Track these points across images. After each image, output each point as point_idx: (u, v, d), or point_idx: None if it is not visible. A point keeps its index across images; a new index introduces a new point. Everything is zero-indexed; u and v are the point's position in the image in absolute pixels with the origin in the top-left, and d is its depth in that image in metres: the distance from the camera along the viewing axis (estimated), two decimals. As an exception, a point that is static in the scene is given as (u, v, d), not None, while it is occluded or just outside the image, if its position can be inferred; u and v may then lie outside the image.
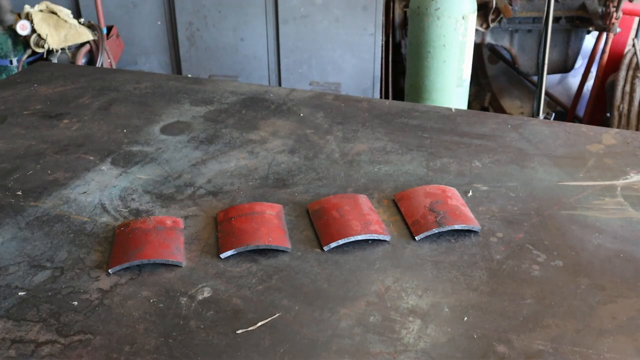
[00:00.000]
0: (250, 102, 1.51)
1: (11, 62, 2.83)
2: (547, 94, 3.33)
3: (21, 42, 2.85)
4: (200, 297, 0.84)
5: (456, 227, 0.96)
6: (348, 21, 3.26)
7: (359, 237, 0.94)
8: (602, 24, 3.12)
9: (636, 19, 3.27)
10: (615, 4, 3.01)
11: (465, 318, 0.80)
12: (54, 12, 2.93)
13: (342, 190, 1.09)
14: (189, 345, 0.76)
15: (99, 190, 1.12)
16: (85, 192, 1.11)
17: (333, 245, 0.94)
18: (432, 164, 1.20)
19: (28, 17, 2.86)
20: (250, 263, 0.91)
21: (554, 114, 3.50)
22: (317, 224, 0.98)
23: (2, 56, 2.83)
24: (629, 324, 0.78)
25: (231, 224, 0.98)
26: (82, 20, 3.07)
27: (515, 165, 1.18)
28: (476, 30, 2.71)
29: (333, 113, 1.44)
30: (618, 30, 3.09)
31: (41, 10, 2.90)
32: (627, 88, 3.08)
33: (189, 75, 3.28)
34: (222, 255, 0.92)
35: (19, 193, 1.11)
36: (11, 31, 2.83)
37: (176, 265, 0.91)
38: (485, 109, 3.55)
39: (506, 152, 1.24)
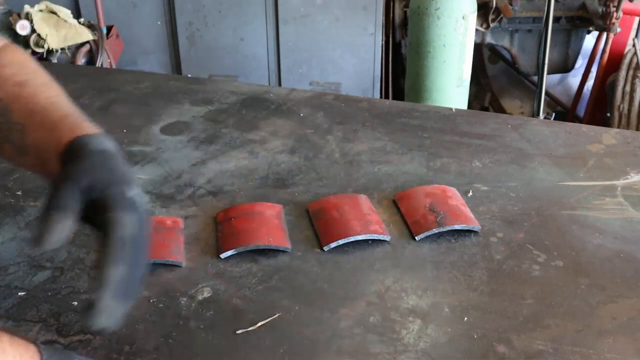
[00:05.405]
0: (250, 102, 1.51)
1: (11, 62, 2.83)
2: (547, 94, 3.33)
3: (21, 42, 2.84)
4: (200, 297, 0.84)
5: (456, 227, 0.96)
6: (348, 21, 3.26)
7: (359, 237, 0.94)
8: (602, 24, 3.12)
9: (636, 19, 3.27)
10: (616, 4, 3.01)
11: (466, 318, 0.80)
12: (53, 12, 2.92)
13: (342, 190, 1.09)
14: (189, 346, 0.76)
15: (99, 190, 1.12)
16: (85, 192, 1.11)
17: (333, 245, 0.94)
18: (432, 164, 1.20)
19: (28, 17, 2.86)
20: (250, 263, 0.91)
21: (554, 114, 3.50)
22: (317, 224, 0.98)
23: (2, 56, 2.82)
24: (629, 324, 0.78)
25: (231, 224, 0.98)
26: (82, 20, 3.07)
27: (515, 165, 1.18)
28: (476, 30, 2.70)
29: (333, 113, 1.44)
30: (618, 30, 3.09)
31: (41, 10, 2.90)
32: (627, 88, 3.09)
33: (189, 75, 3.27)
34: (222, 255, 0.92)
35: (19, 193, 1.11)
36: (11, 31, 2.82)
37: (176, 265, 0.90)
38: (485, 109, 3.55)
39: (506, 152, 1.24)
